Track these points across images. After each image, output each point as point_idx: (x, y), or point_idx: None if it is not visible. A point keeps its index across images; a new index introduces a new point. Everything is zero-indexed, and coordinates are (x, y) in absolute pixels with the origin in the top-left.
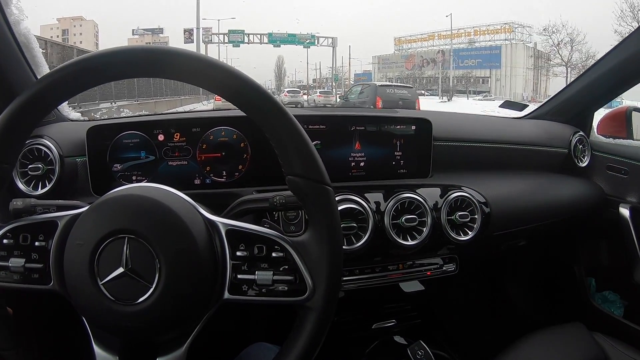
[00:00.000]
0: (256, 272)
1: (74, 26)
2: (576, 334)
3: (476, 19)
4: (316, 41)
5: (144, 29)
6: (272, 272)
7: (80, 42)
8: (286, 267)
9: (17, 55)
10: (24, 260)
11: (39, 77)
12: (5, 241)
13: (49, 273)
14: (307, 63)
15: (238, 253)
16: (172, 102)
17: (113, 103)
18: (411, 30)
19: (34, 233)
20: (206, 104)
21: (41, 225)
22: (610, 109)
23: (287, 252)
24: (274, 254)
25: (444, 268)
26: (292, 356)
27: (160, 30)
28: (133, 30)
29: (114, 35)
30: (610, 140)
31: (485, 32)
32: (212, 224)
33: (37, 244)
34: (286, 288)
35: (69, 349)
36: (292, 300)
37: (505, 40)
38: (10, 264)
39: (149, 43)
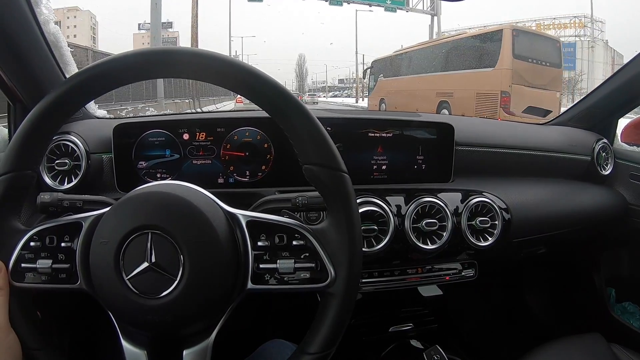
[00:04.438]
0: (278, 261)
1: (68, 18)
2: (594, 344)
3: (537, 10)
4: (407, 1)
5: (150, 24)
6: (293, 260)
7: (75, 36)
8: (307, 254)
9: (46, 54)
10: (51, 261)
11: (67, 76)
12: (32, 244)
13: (76, 272)
14: (357, 52)
15: (259, 243)
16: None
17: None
18: (453, 24)
19: (60, 234)
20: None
21: (66, 227)
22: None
23: (307, 240)
24: (294, 243)
25: (463, 273)
26: (316, 342)
27: (169, 25)
28: (139, 24)
29: (117, 30)
30: (634, 148)
31: (550, 26)
32: (233, 216)
33: (63, 244)
34: (308, 275)
35: (98, 346)
36: (314, 287)
37: (576, 37)
38: (37, 266)
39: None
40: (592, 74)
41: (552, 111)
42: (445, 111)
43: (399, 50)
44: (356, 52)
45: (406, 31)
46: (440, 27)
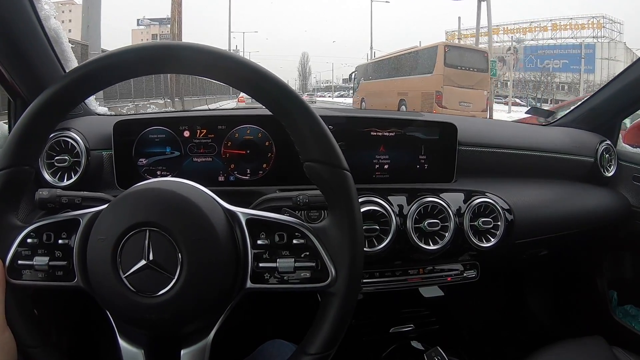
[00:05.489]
0: (278, 260)
1: (62, 12)
2: (595, 347)
3: (554, 10)
4: None
5: (150, 19)
6: (293, 259)
7: (70, 31)
8: (307, 253)
9: (47, 50)
10: (48, 258)
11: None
12: (29, 240)
13: (73, 270)
14: (372, 48)
15: (259, 242)
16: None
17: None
18: (465, 22)
19: (57, 231)
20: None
21: (64, 224)
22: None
23: (307, 239)
24: (294, 241)
25: (465, 274)
26: (317, 342)
27: (169, 21)
28: (138, 20)
29: (114, 26)
30: (638, 150)
31: (567, 26)
32: (232, 214)
33: (60, 241)
34: (308, 275)
35: (95, 344)
36: (314, 286)
37: (594, 38)
38: (34, 263)
39: (156, 35)
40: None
41: (554, 112)
42: (403, 107)
43: (375, 59)
44: (371, 47)
45: (424, 27)
46: (491, 15)
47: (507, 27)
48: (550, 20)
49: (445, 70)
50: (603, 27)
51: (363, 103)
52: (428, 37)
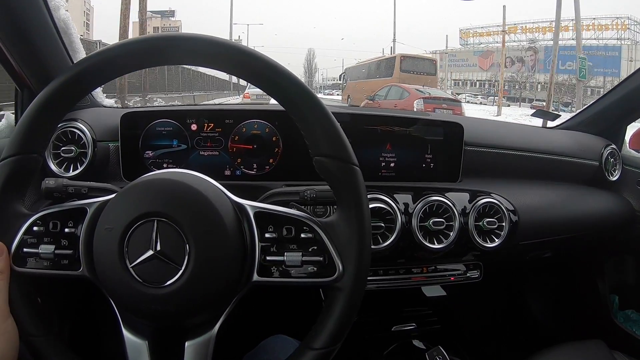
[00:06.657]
0: (285, 254)
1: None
2: (596, 351)
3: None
4: None
5: (152, 11)
6: (301, 253)
7: None
8: (315, 247)
9: (55, 41)
10: (53, 247)
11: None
12: (35, 228)
13: (79, 259)
14: (394, 40)
15: (267, 235)
16: None
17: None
18: (481, 20)
19: (64, 220)
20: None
21: (70, 212)
22: None
23: (315, 233)
24: (302, 235)
25: (468, 274)
26: (321, 337)
27: (172, 13)
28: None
29: (114, 18)
30: None
31: (590, 27)
32: (240, 206)
33: (66, 230)
34: (315, 269)
35: (99, 334)
36: (321, 281)
37: (617, 39)
38: (40, 251)
39: (158, 27)
40: None
41: (560, 115)
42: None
43: (356, 64)
44: (394, 40)
45: (438, 24)
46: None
47: (526, 27)
48: (572, 20)
49: (400, 74)
50: (628, 28)
51: (349, 99)
52: (450, 33)
